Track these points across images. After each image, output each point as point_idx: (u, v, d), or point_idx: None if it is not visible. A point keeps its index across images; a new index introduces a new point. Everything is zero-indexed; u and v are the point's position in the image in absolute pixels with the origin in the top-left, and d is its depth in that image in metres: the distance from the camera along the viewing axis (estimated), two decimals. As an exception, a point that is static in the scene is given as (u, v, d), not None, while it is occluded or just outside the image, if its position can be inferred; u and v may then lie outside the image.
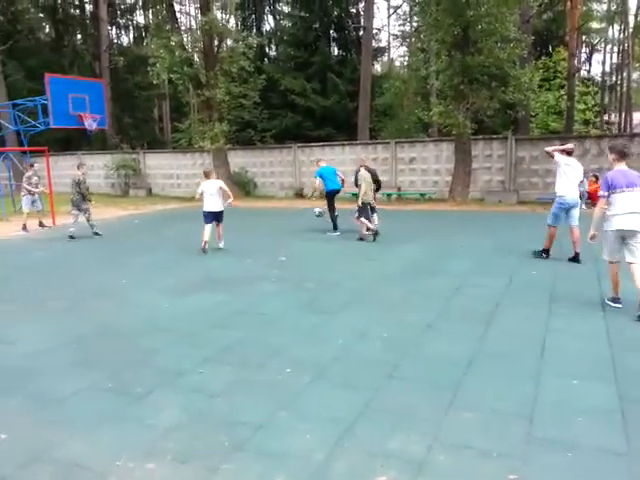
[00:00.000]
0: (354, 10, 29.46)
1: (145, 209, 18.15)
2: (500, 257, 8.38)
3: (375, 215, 11.14)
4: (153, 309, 5.99)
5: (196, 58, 20.32)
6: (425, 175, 19.43)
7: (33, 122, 15.97)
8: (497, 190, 17.85)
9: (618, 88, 40.31)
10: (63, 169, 26.56)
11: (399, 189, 19.35)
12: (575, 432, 3.14)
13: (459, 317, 5.41)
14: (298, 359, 4.36)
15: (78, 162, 12.68)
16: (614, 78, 42.64)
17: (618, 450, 2.96)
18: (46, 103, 14.74)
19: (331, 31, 28.72)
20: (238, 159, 22.46)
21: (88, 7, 35.85)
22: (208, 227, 9.50)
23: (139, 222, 14.77)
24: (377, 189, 11.36)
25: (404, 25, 35.24)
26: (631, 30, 33.55)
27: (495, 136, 19.01)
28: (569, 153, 7.98)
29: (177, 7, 23.16)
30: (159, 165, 24.68)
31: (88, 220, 11.62)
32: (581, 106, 25.82)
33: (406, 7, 32.12)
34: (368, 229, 10.14)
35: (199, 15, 20.21)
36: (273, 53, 32.36)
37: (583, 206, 14.20)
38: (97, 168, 24.92)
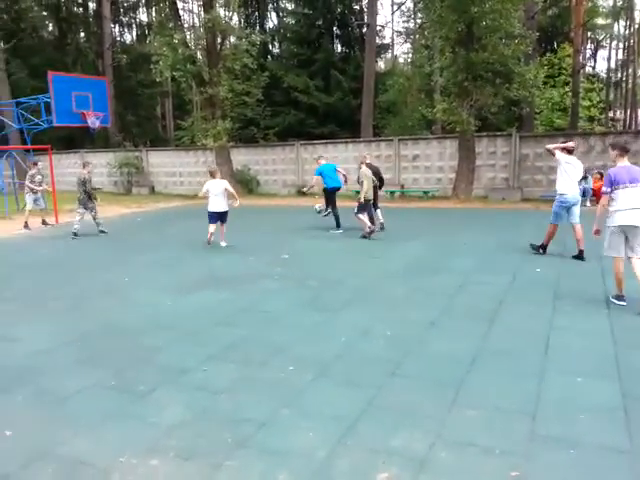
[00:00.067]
0: (357, 7, 29.41)
1: (148, 207, 18.18)
2: (504, 255, 8.36)
3: (378, 211, 11.20)
4: (156, 307, 6.01)
5: (199, 55, 20.32)
6: (428, 172, 19.39)
7: (36, 120, 16.01)
8: (501, 187, 17.80)
9: (623, 85, 40.15)
10: (66, 167, 26.69)
11: (402, 186, 19.31)
12: (578, 429, 3.13)
13: (462, 315, 5.40)
14: (301, 357, 4.37)
15: (83, 161, 12.74)
16: (619, 74, 42.47)
17: (621, 448, 2.95)
18: (49, 101, 14.78)
19: (334, 28, 28.68)
20: (241, 157, 22.47)
21: (91, 5, 35.93)
22: (212, 226, 9.69)
23: (142, 220, 14.80)
24: (380, 186, 11.35)
25: (408, 22, 35.20)
26: (637, 26, 33.40)
27: (499, 133, 18.95)
28: (570, 151, 7.98)
29: (180, 4, 23.12)
30: (162, 163, 24.72)
31: (94, 218, 11.70)
32: (586, 103, 25.73)
33: (410, 4, 32.09)
34: (369, 228, 10.14)
35: (202, 12, 20.18)
36: (276, 50, 32.36)
37: (587, 203, 14.27)
38: (100, 166, 24.97)
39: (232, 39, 20.92)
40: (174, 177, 24.35)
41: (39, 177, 13.07)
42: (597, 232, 5.84)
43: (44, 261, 9.02)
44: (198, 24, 21.96)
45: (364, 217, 10.15)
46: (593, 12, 30.93)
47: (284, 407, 3.51)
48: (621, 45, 41.84)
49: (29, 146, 16.95)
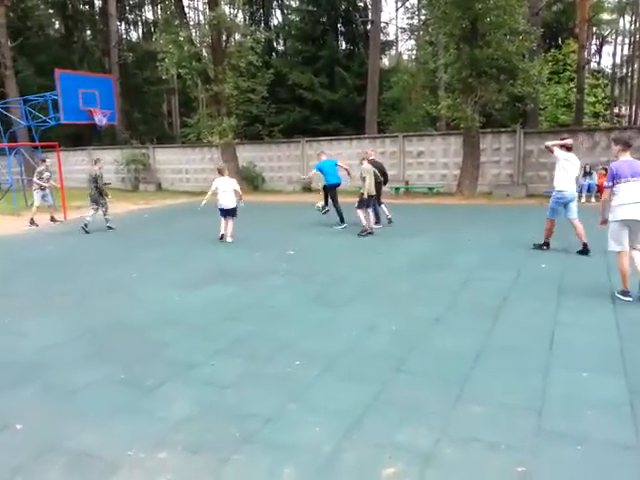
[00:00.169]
0: (362, 3, 29.29)
1: (155, 203, 18.26)
2: (508, 251, 8.36)
3: (383, 206, 11.22)
4: (163, 302, 6.05)
5: (204, 53, 20.33)
6: (433, 169, 19.36)
7: (44, 117, 16.08)
8: (505, 184, 17.75)
9: (629, 80, 39.89)
10: (73, 164, 26.80)
11: (407, 183, 19.30)
12: (584, 425, 3.14)
13: (467, 311, 5.41)
14: (307, 352, 4.39)
15: (95, 157, 12.85)
16: (625, 70, 42.17)
17: (627, 443, 2.96)
18: (56, 99, 14.83)
19: (339, 25, 28.60)
20: (246, 153, 22.50)
21: (97, 3, 36.00)
22: (224, 221, 9.98)
23: (149, 216, 14.86)
24: (384, 182, 11.36)
25: (412, 18, 35.06)
26: (643, 21, 33.14)
27: (504, 129, 18.89)
28: (569, 148, 8.04)
29: (185, 2, 23.18)
30: (168, 160, 24.79)
31: (104, 214, 11.82)
32: (591, 99, 25.59)
33: (414, 0, 31.95)
34: (369, 227, 10.20)
35: (207, 10, 20.19)
36: (281, 47, 32.31)
37: (592, 199, 14.23)
38: (107, 163, 25.02)
39: (237, 36, 20.94)
40: (180, 174, 24.42)
41: (47, 174, 13.15)
42: (604, 222, 5.86)
43: (52, 257, 9.08)
44: (203, 21, 21.98)
45: (363, 214, 10.18)
46: (598, 7, 30.72)
47: (290, 402, 3.54)
48: (627, 40, 41.57)
49: (37, 143, 17.05)
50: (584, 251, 7.82)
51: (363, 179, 10.10)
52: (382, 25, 28.68)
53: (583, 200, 14.65)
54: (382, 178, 11.12)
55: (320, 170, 11.40)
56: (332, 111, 26.05)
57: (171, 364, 4.23)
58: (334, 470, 2.79)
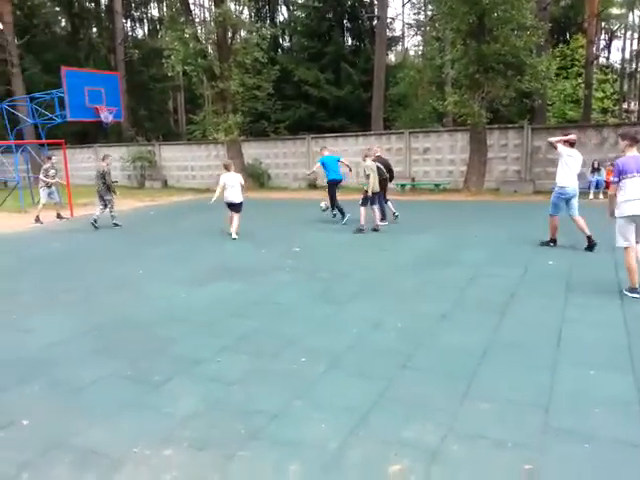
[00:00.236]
0: (368, -1, 29.21)
1: (161, 200, 18.31)
2: (515, 247, 8.32)
3: (389, 203, 11.21)
4: (170, 299, 6.06)
5: (210, 50, 20.33)
6: (439, 165, 19.29)
7: (50, 115, 16.13)
8: (513, 180, 17.66)
9: (638, 75, 39.52)
10: (80, 162, 26.92)
11: (413, 179, 19.24)
12: (592, 423, 3.12)
13: (474, 307, 5.39)
14: (313, 348, 4.39)
15: (103, 154, 12.94)
16: (634, 65, 41.78)
17: (636, 441, 2.93)
18: (63, 96, 14.87)
19: (345, 21, 28.51)
20: (252, 150, 22.50)
21: (103, 0, 36.04)
22: (231, 215, 10.13)
23: (155, 213, 14.90)
24: (390, 179, 11.33)
25: (418, 14, 34.82)
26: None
27: (511, 125, 18.78)
28: (572, 144, 7.99)
29: (191, -1, 23.11)
30: (174, 157, 24.84)
31: (110, 211, 11.87)
32: (599, 94, 25.39)
33: (421, -5, 31.74)
34: (365, 227, 10.19)
35: (213, 7, 20.18)
36: (287, 44, 32.26)
37: (600, 195, 14.13)
38: (113, 160, 24.88)
39: (243, 33, 20.90)
40: (186, 171, 24.46)
41: (52, 171, 13.21)
42: (612, 213, 5.84)
43: (58, 254, 9.12)
44: (209, 18, 21.97)
45: (365, 212, 10.16)
46: (607, 2, 30.38)
47: (296, 398, 3.53)
48: (636, 35, 41.15)
49: (43, 140, 17.12)
50: (590, 245, 7.80)
51: (367, 176, 10.05)
52: (388, 21, 28.58)
53: (591, 197, 14.56)
54: (388, 175, 11.10)
55: (323, 164, 11.41)
56: (338, 107, 25.99)
57: (177, 360, 4.24)
58: (340, 467, 2.78)
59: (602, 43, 37.77)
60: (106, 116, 15.53)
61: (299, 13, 30.05)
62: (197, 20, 24.35)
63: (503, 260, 7.52)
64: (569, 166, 7.86)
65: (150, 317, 5.40)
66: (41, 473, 2.81)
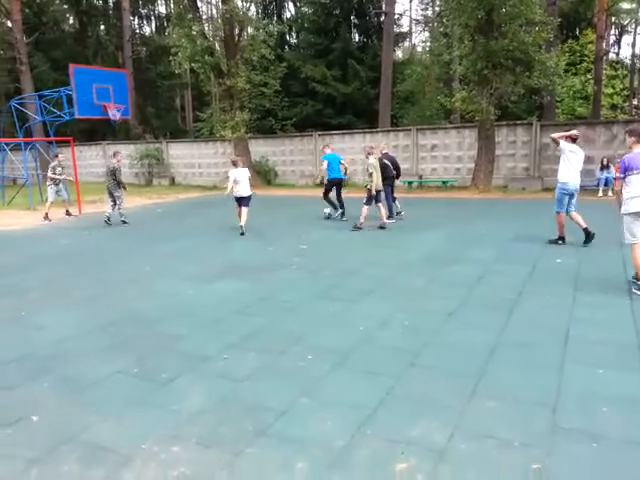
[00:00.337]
0: (375, -5, 29.09)
1: (168, 198, 18.38)
2: (523, 245, 8.28)
3: (397, 202, 11.21)
4: (177, 296, 6.08)
5: (217, 47, 20.35)
6: (447, 162, 19.22)
7: (58, 112, 16.22)
8: (521, 177, 17.57)
9: (648, 71, 39.04)
10: (88, 159, 27.06)
11: (420, 177, 19.19)
12: (600, 422, 3.10)
13: (481, 305, 5.37)
14: (319, 346, 4.39)
15: (114, 151, 13.03)
16: (644, 61, 41.27)
17: (644, 441, 2.91)
18: (71, 94, 14.95)
19: (352, 17, 28.43)
20: (259, 148, 22.53)
21: (111, -3, 36.15)
22: (239, 210, 10.40)
23: (163, 211, 14.96)
24: (397, 176, 11.31)
25: (426, 10, 34.69)
26: (663, 10, 32.42)
27: (519, 122, 18.68)
28: (574, 140, 7.99)
29: (198, -4, 23.08)
30: (181, 154, 24.92)
31: (119, 208, 11.95)
32: (609, 90, 25.17)
33: (428, -9, 31.59)
34: (385, 219, 10.25)
35: (220, 4, 20.18)
36: (294, 40, 32.21)
37: (610, 192, 14.01)
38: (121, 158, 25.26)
39: (250, 30, 20.91)
40: (193, 168, 24.54)
41: (59, 169, 13.29)
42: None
43: (67, 251, 9.18)
44: (216, 15, 21.97)
45: (366, 211, 10.17)
46: (617, -4, 30.09)
47: (303, 396, 3.54)
48: (647, 30, 40.62)
49: (52, 138, 17.22)
50: (588, 236, 7.90)
51: (370, 174, 10.01)
52: (396, 17, 28.44)
53: (600, 194, 14.46)
54: (395, 172, 11.07)
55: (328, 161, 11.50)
56: (345, 104, 25.95)
57: (185, 357, 4.26)
58: (347, 465, 2.79)
59: (612, 38, 37.34)
60: (114, 114, 15.60)
61: (306, 9, 30.00)
62: (204, 17, 24.33)
63: (511, 258, 7.49)
64: (571, 162, 7.88)
65: (158, 314, 5.42)
66: (50, 469, 2.83)
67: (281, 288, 6.29)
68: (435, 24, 27.24)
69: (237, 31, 19.90)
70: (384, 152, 11.24)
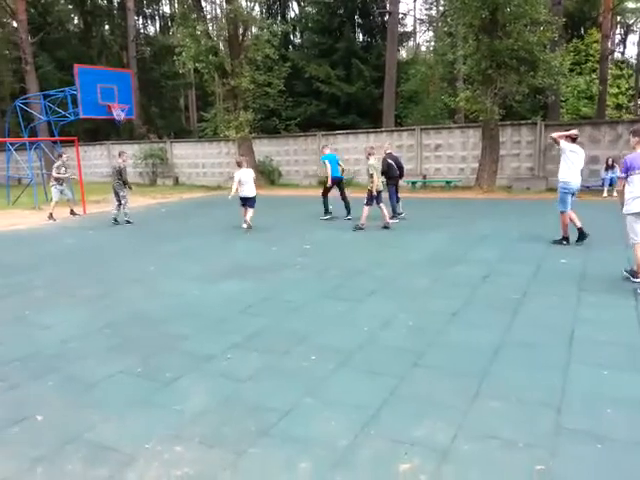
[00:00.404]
0: (380, -5, 29.04)
1: (172, 198, 18.41)
2: (528, 245, 8.25)
3: (400, 202, 11.22)
4: (182, 295, 6.09)
5: (221, 47, 20.38)
6: (451, 162, 19.19)
7: (63, 112, 16.27)
8: (525, 177, 17.52)
9: (654, 71, 38.85)
10: (92, 159, 27.14)
11: (424, 177, 19.16)
12: (605, 424, 3.08)
13: (486, 305, 5.35)
14: (323, 346, 4.39)
15: (120, 151, 13.10)
16: (650, 60, 41.08)
17: (649, 442, 2.89)
18: (75, 93, 14.99)
19: (356, 17, 28.39)
20: (263, 148, 22.55)
21: (115, -3, 36.27)
22: (244, 210, 10.63)
23: (167, 210, 14.99)
24: (400, 176, 11.30)
25: (430, 9, 34.64)
26: (669, 10, 32.27)
27: (524, 122, 18.63)
28: (574, 139, 7.98)
29: (202, -4, 23.11)
30: (185, 154, 24.96)
31: (123, 208, 12.01)
32: (614, 90, 25.07)
33: (433, -9, 31.53)
34: (388, 219, 10.27)
35: (224, 3, 20.20)
36: (298, 40, 32.21)
37: (614, 193, 13.95)
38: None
39: (254, 29, 20.93)
40: (197, 168, 24.58)
41: (63, 169, 13.34)
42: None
43: (71, 250, 9.21)
44: (220, 15, 21.99)
45: (367, 211, 10.17)
46: (623, -4, 29.95)
47: (307, 396, 3.54)
48: (652, 30, 40.43)
49: (57, 138, 17.27)
50: (581, 237, 7.97)
51: (370, 175, 10.00)
52: (400, 16, 28.37)
53: (605, 194, 14.41)
54: (398, 172, 11.07)
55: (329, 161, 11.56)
56: (349, 104, 25.93)
57: (188, 357, 4.26)
58: (350, 465, 2.78)
59: (617, 38, 37.23)
60: (118, 113, 15.64)
61: (310, 9, 29.99)
62: (208, 17, 24.36)
63: (515, 258, 7.46)
64: (572, 161, 7.89)
65: (162, 314, 5.43)
66: (55, 468, 2.84)
67: (285, 288, 6.29)
68: (439, 24, 27.17)
69: (241, 31, 19.91)
70: (388, 152, 11.24)
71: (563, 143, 7.90)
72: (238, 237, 9.85)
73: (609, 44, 25.10)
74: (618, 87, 25.38)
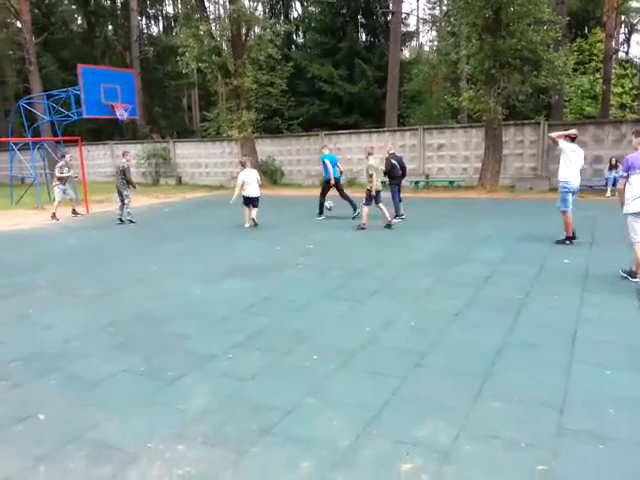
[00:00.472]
0: (382, -6, 29.01)
1: (175, 197, 18.43)
2: (531, 245, 8.23)
3: (401, 204, 11.21)
4: (184, 295, 6.10)
5: (224, 47, 20.39)
6: (454, 162, 19.15)
7: (66, 112, 16.32)
8: (528, 177, 17.48)
9: (658, 70, 38.71)
10: (96, 159, 27.20)
11: (427, 176, 19.13)
12: (607, 424, 3.08)
13: (488, 306, 5.35)
14: (325, 346, 4.39)
15: (123, 150, 13.16)
16: (654, 60, 40.91)
17: (652, 443, 2.89)
18: (79, 93, 15.03)
19: (359, 16, 28.37)
20: (265, 147, 22.55)
21: (118, -3, 36.32)
22: (247, 210, 10.78)
23: (170, 210, 15.01)
24: (403, 176, 11.29)
25: (433, 9, 34.58)
26: (673, 9, 32.14)
27: (527, 122, 18.58)
28: (573, 139, 7.99)
29: (205, -4, 23.13)
30: (188, 154, 24.99)
31: (126, 207, 12.06)
32: (618, 89, 24.96)
33: (436, -10, 31.49)
34: (389, 218, 10.26)
35: (227, 3, 20.22)
36: (301, 40, 32.20)
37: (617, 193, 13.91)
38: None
39: (257, 29, 20.93)
40: (200, 168, 24.60)
41: (66, 169, 13.37)
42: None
43: (74, 250, 9.23)
44: (223, 15, 22.02)
45: (367, 211, 10.18)
46: (627, -5, 29.82)
47: (309, 395, 3.54)
48: (656, 29, 40.27)
49: (60, 138, 17.32)
50: (566, 241, 8.08)
51: (370, 175, 10.00)
52: (403, 16, 28.38)
53: (608, 194, 14.36)
54: (401, 172, 11.06)
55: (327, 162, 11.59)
56: (352, 104, 25.91)
57: (191, 356, 4.27)
58: (352, 465, 2.78)
59: (621, 37, 37.10)
60: (121, 113, 15.67)
61: (313, 9, 29.98)
62: (212, 17, 24.39)
63: (518, 258, 7.45)
64: (572, 161, 7.92)
65: (164, 313, 5.45)
66: (57, 466, 2.85)
67: (287, 288, 6.30)
68: (442, 23, 27.14)
69: (244, 31, 19.92)
70: (391, 152, 11.23)
71: (562, 143, 7.92)
72: (241, 237, 9.86)
73: (613, 43, 24.99)
74: (622, 86, 25.26)
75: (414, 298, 5.71)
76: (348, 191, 12.28)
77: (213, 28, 20.88)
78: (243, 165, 10.90)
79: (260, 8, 26.16)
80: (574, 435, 2.98)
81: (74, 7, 34.76)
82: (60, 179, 13.16)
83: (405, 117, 26.13)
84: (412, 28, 36.07)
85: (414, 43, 37.99)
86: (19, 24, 26.81)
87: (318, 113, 26.30)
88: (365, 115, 25.71)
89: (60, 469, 2.83)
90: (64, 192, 13.36)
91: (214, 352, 4.33)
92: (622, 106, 25.62)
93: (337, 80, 25.59)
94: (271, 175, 21.76)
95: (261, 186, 11.15)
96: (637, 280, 5.87)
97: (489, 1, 15.09)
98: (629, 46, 38.98)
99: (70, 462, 2.88)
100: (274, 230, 10.47)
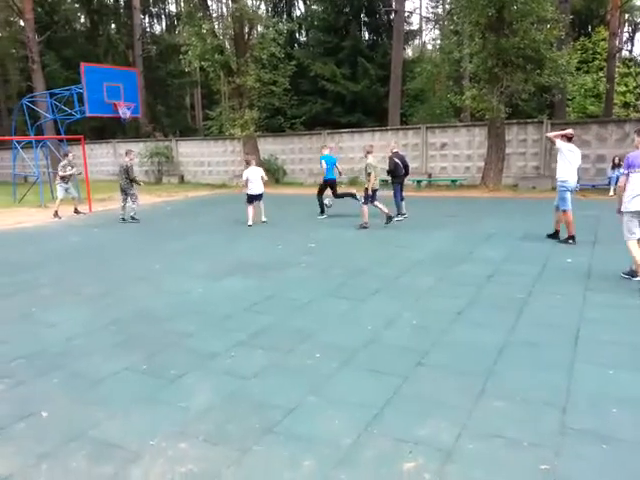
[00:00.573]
0: (385, -7, 28.95)
1: (178, 196, 18.44)
2: (533, 244, 8.22)
3: (403, 203, 11.19)
4: (187, 293, 6.11)
5: (227, 45, 20.39)
6: (457, 161, 19.12)
7: (69, 110, 16.34)
8: (531, 176, 17.45)
9: (662, 69, 38.57)
10: (98, 157, 27.23)
11: (430, 175, 19.11)
12: (611, 424, 3.07)
13: (490, 305, 5.34)
14: (327, 344, 4.39)
15: (127, 149, 13.16)
16: (658, 58, 40.77)
17: (655, 442, 2.88)
18: (82, 92, 15.05)
19: (362, 15, 28.30)
20: (268, 146, 22.54)
21: (121, -4, 36.31)
22: (250, 208, 10.84)
23: (172, 209, 15.02)
24: (405, 174, 11.28)
25: (436, 7, 34.53)
26: (677, 7, 32.02)
27: (530, 120, 18.52)
28: (569, 138, 8.00)
29: (208, -6, 23.13)
30: (191, 153, 25.00)
31: (133, 203, 12.11)
32: (621, 88, 24.89)
33: (439, -11, 31.43)
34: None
35: (230, 2, 20.21)
36: (303, 38, 32.13)
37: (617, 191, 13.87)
38: (131, 156, 25.39)
39: (259, 28, 20.91)
40: (203, 167, 24.61)
41: (69, 168, 13.39)
42: (618, 211, 6.06)
43: (77, 248, 9.25)
44: (226, 13, 22.02)
45: (366, 209, 10.17)
46: (631, -7, 29.71)
47: (311, 394, 3.54)
48: (660, 28, 40.11)
49: (63, 136, 17.34)
50: (553, 235, 8.26)
51: (368, 174, 10.00)
52: (406, 15, 28.32)
53: (612, 193, 14.31)
54: (403, 170, 11.05)
55: (326, 162, 11.63)
56: (354, 103, 25.87)
57: (193, 354, 4.27)
58: (354, 463, 2.78)
59: (625, 36, 36.97)
60: (124, 112, 15.69)
61: (316, 7, 29.91)
62: (214, 15, 24.39)
63: (521, 257, 7.44)
64: (569, 160, 7.95)
65: (167, 311, 5.45)
66: (60, 464, 2.86)
67: (289, 286, 6.30)
68: (445, 22, 27.09)
69: (247, 29, 19.91)
70: (394, 151, 11.22)
71: (559, 142, 7.93)
72: (243, 235, 9.86)
73: (617, 42, 24.92)
74: (626, 85, 25.20)
75: (416, 297, 5.70)
76: (350, 189, 12.27)
77: (216, 26, 20.88)
78: (248, 163, 11.03)
79: (263, 6, 26.16)
80: (577, 435, 2.97)
81: (77, 5, 34.76)
82: (63, 178, 13.18)
83: (408, 116, 26.09)
84: (415, 27, 35.96)
85: (417, 42, 37.97)
86: (22, 22, 26.85)
87: (321, 112, 26.26)
88: (368, 114, 25.66)
89: (62, 467, 2.83)
90: (66, 191, 13.38)
91: (216, 350, 4.34)
92: (625, 105, 25.55)
93: (340, 79, 25.54)
94: (273, 174, 21.74)
95: (265, 183, 11.16)
96: (639, 279, 5.84)
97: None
98: (633, 45, 38.82)
99: (72, 460, 2.88)
100: (276, 228, 10.47)
